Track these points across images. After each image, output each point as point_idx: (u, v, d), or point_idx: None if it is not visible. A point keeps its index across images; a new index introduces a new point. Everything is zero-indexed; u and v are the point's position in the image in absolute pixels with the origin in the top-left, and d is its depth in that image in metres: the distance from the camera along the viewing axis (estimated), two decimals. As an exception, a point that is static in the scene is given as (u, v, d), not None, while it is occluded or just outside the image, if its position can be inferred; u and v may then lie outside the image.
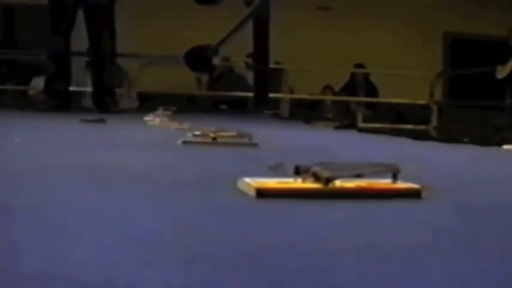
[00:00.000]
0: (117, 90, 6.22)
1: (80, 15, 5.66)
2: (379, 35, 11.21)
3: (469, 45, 11.58)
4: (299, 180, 1.26)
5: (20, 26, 10.74)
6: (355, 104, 10.08)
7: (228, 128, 2.73)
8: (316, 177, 1.24)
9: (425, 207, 1.22)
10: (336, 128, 5.51)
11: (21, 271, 0.72)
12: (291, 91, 9.45)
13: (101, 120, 3.82)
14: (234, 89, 8.67)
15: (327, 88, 10.20)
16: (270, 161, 1.36)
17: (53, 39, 5.71)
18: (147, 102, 7.64)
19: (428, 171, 1.81)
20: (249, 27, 5.54)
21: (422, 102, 9.09)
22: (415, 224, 1.07)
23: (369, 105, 10.17)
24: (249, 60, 7.78)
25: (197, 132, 2.59)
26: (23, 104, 7.94)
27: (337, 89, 10.32)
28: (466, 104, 9.30)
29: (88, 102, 6.44)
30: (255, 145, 2.44)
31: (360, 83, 10.42)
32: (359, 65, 10.33)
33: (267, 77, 6.52)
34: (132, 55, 8.50)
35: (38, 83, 7.33)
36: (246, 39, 5.57)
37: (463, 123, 7.17)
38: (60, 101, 5.63)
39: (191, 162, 1.99)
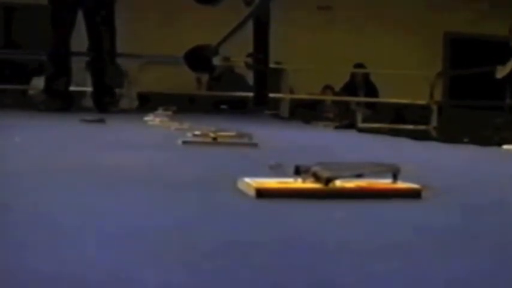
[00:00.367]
0: (117, 90, 6.21)
1: (80, 15, 5.66)
2: (379, 35, 11.21)
3: (469, 45, 11.58)
4: (299, 180, 1.26)
5: (20, 26, 10.73)
6: (355, 104, 10.08)
7: (228, 128, 2.73)
8: (316, 177, 1.24)
9: (425, 207, 1.22)
10: (336, 128, 5.51)
11: (21, 271, 0.72)
12: (291, 91, 9.45)
13: (101, 120, 3.82)
14: (234, 89, 8.67)
15: (327, 88, 10.20)
16: (270, 161, 1.36)
17: (53, 39, 5.71)
18: (147, 102, 7.64)
19: (428, 171, 1.80)
20: (249, 27, 5.54)
21: (422, 102, 9.09)
22: (415, 224, 1.07)
23: (368, 105, 10.17)
24: (249, 60, 7.78)
25: (197, 132, 2.58)
26: (23, 104, 7.94)
27: (337, 89, 10.31)
28: (466, 104, 9.29)
29: (88, 102, 6.44)
30: (255, 145, 2.43)
31: (360, 83, 10.42)
32: (359, 65, 10.33)
33: (267, 77, 6.51)
34: (132, 55, 8.50)
35: (38, 83, 7.32)
36: (246, 39, 5.57)
37: (463, 124, 7.17)
38: (60, 101, 5.63)
39: (191, 162, 1.99)
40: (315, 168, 1.25)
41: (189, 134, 2.59)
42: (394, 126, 8.31)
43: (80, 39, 5.82)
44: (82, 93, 7.47)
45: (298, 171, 1.26)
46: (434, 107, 9.03)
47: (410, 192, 1.28)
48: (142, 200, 1.22)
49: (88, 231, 0.94)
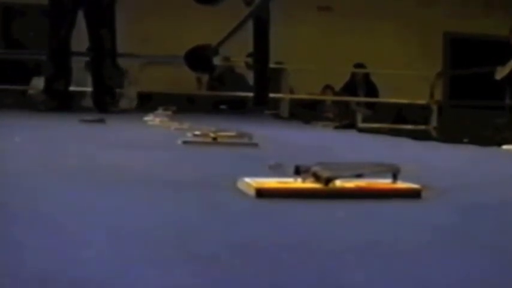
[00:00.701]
0: (117, 90, 6.21)
1: (80, 15, 5.66)
2: (379, 34, 11.21)
3: (469, 45, 11.58)
4: (299, 180, 1.26)
5: (20, 26, 10.73)
6: (355, 104, 10.08)
7: (228, 127, 2.73)
8: (316, 177, 1.24)
9: (425, 207, 1.22)
10: (336, 128, 5.51)
11: (21, 271, 0.72)
12: (291, 91, 9.45)
13: (101, 120, 3.81)
14: (234, 89, 8.67)
15: (327, 88, 10.20)
16: (270, 161, 1.36)
17: (53, 39, 5.70)
18: (147, 102, 7.64)
19: (428, 171, 1.80)
20: (249, 27, 5.53)
21: (422, 102, 9.09)
22: (415, 224, 1.07)
23: (369, 105, 10.16)
24: (249, 60, 7.77)
25: (197, 132, 2.58)
26: (23, 104, 7.93)
27: (337, 89, 10.31)
28: (466, 104, 9.29)
29: (88, 102, 6.43)
30: (255, 145, 2.43)
31: (360, 83, 10.41)
32: (359, 65, 10.32)
33: (267, 77, 6.51)
34: (132, 55, 8.49)
35: (38, 83, 7.32)
36: (246, 39, 5.57)
37: (463, 124, 7.16)
38: (60, 101, 5.62)
39: (191, 162, 1.98)
40: (315, 168, 1.25)
41: (189, 134, 2.58)
42: (394, 126, 8.31)
43: (80, 39, 5.82)
44: (82, 93, 7.47)
45: (298, 171, 1.26)
46: (435, 107, 9.03)
47: (410, 192, 1.28)
48: (142, 200, 1.22)
49: (88, 231, 0.94)
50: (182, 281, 0.71)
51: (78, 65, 7.05)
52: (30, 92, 8.40)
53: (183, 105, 7.24)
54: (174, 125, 3.56)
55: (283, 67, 9.38)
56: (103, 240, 0.88)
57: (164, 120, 4.15)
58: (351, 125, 6.51)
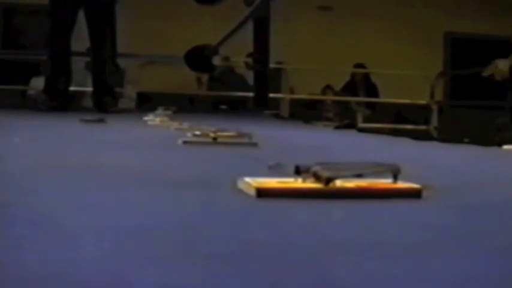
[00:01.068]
0: (117, 90, 6.20)
1: (81, 15, 5.65)
2: (380, 34, 11.20)
3: (470, 45, 11.56)
4: (299, 180, 1.26)
5: (20, 26, 10.72)
6: (355, 104, 10.07)
7: (228, 128, 2.72)
8: (317, 177, 1.24)
9: (425, 207, 1.22)
10: (336, 128, 5.51)
11: (22, 271, 0.72)
12: (292, 91, 9.44)
13: (101, 120, 3.81)
14: (234, 89, 8.66)
15: (328, 88, 10.18)
16: (270, 161, 1.36)
17: (53, 39, 5.70)
18: (147, 102, 7.62)
19: (428, 171, 1.80)
20: (249, 27, 5.54)
21: (422, 102, 9.08)
22: (415, 224, 1.07)
23: (369, 105, 10.15)
24: (249, 60, 7.77)
25: (197, 132, 2.58)
26: (23, 104, 7.92)
27: (337, 88, 10.30)
28: (466, 104, 9.28)
29: (88, 102, 6.42)
30: (255, 145, 2.43)
31: (360, 83, 10.40)
32: (359, 65, 10.31)
33: (267, 77, 6.51)
34: (132, 55, 8.48)
35: (38, 83, 7.31)
36: (246, 39, 5.57)
37: (464, 124, 7.16)
38: (59, 101, 5.62)
39: (191, 162, 1.98)
40: (315, 168, 1.25)
41: (189, 134, 2.58)
42: (395, 126, 8.31)
43: (80, 39, 5.81)
44: (82, 93, 7.46)
45: (298, 171, 1.26)
46: (435, 107, 9.02)
47: (411, 192, 1.28)
48: (143, 200, 1.22)
49: (88, 231, 0.93)
50: (182, 281, 0.71)
51: (79, 65, 7.05)
52: (30, 92, 8.40)
53: (183, 105, 7.23)
54: (174, 125, 3.56)
55: (284, 67, 9.36)
56: (103, 240, 0.88)
57: (164, 120, 4.14)
58: (351, 125, 6.51)
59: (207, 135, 2.50)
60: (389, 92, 9.78)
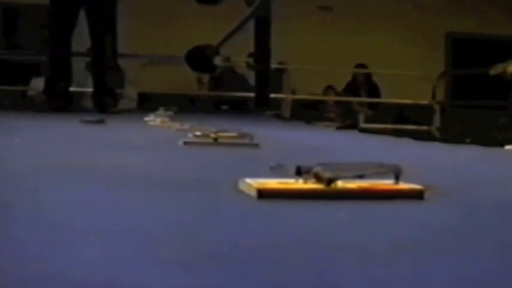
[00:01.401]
0: (117, 90, 6.20)
1: (82, 15, 5.65)
2: (381, 35, 11.20)
3: (472, 45, 11.55)
4: (300, 180, 1.26)
5: (20, 26, 10.73)
6: (357, 104, 10.07)
7: (229, 128, 2.72)
8: (318, 178, 1.24)
9: (427, 208, 1.22)
10: (338, 128, 5.51)
11: (21, 271, 0.72)
12: (293, 91, 9.43)
13: (101, 121, 3.80)
14: (235, 90, 8.66)
15: (329, 88, 10.18)
16: (271, 162, 1.35)
17: (53, 39, 5.69)
18: (148, 103, 7.62)
19: (430, 172, 1.80)
20: (250, 27, 5.53)
21: (424, 102, 9.08)
22: (417, 225, 1.07)
23: (371, 106, 10.15)
24: (251, 60, 7.77)
25: (198, 133, 2.58)
26: (23, 104, 7.93)
27: (339, 89, 10.30)
28: (468, 105, 9.27)
29: (88, 102, 6.42)
30: (256, 146, 2.43)
31: (362, 84, 10.40)
32: (361, 65, 10.31)
33: (268, 77, 6.51)
34: (132, 55, 8.48)
35: (38, 83, 7.31)
36: (247, 39, 5.57)
37: (466, 124, 7.16)
38: (60, 102, 5.61)
39: (192, 162, 1.98)
40: (317, 169, 1.24)
41: (190, 135, 2.58)
42: (397, 127, 8.31)
43: (81, 39, 5.81)
44: (82, 94, 7.45)
45: (299, 172, 1.26)
46: (437, 107, 9.02)
47: (413, 192, 1.28)
48: (143, 201, 1.22)
49: (88, 232, 0.93)
50: (183, 282, 0.71)
51: (79, 65, 7.05)
52: (30, 92, 8.40)
53: (184, 105, 7.23)
54: (175, 125, 3.56)
55: (285, 67, 9.37)
56: (103, 241, 0.88)
57: (165, 120, 4.14)
58: (353, 126, 6.51)
59: (208, 136, 2.50)
60: (391, 92, 9.78)
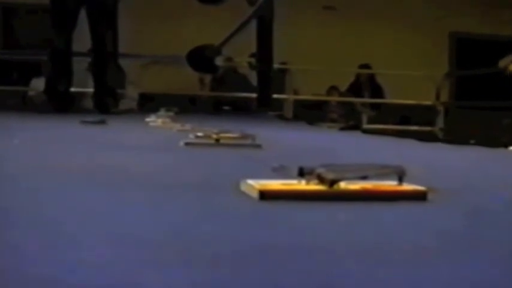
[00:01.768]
0: (118, 91, 6.20)
1: (83, 16, 5.65)
2: (385, 35, 11.20)
3: (476, 45, 11.55)
4: (303, 182, 1.25)
5: (21, 25, 10.74)
6: (360, 105, 10.07)
7: (231, 129, 2.72)
8: (321, 179, 1.23)
9: (431, 209, 1.21)
10: (341, 129, 5.50)
11: (20, 274, 0.72)
12: (296, 92, 9.44)
13: (102, 122, 3.80)
14: (237, 90, 8.66)
15: (333, 89, 10.18)
16: (274, 163, 1.35)
17: (54, 39, 5.69)
18: (149, 103, 7.63)
19: (434, 173, 1.80)
20: (253, 26, 5.53)
21: (428, 103, 9.08)
22: (421, 227, 1.06)
23: (374, 106, 10.15)
24: (253, 60, 7.78)
25: (200, 134, 2.58)
26: (23, 105, 7.95)
27: (342, 89, 10.30)
28: (472, 105, 9.27)
29: (89, 103, 6.42)
30: (259, 146, 2.42)
31: (365, 84, 10.40)
32: (365, 66, 10.31)
33: (270, 77, 6.51)
34: (134, 55, 8.48)
35: (38, 83, 7.33)
36: (249, 39, 5.56)
37: (470, 125, 7.16)
38: (60, 102, 5.61)
39: (194, 163, 1.98)
40: (319, 170, 1.24)
41: (192, 136, 2.58)
42: (400, 128, 8.32)
43: (81, 39, 5.81)
44: (83, 94, 7.46)
45: (302, 173, 1.25)
46: (441, 108, 9.02)
47: (416, 194, 1.27)
48: (144, 202, 1.22)
49: (89, 233, 0.93)
50: (184, 283, 0.71)
51: (81, 65, 7.05)
52: (31, 93, 8.41)
53: (186, 106, 7.25)
54: (176, 126, 3.56)
55: (288, 67, 9.37)
56: (104, 243, 0.88)
57: (166, 121, 4.14)
58: (356, 127, 6.51)
59: (209, 137, 2.50)
60: (394, 92, 9.78)
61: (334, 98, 10.08)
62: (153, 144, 2.75)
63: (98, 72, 5.80)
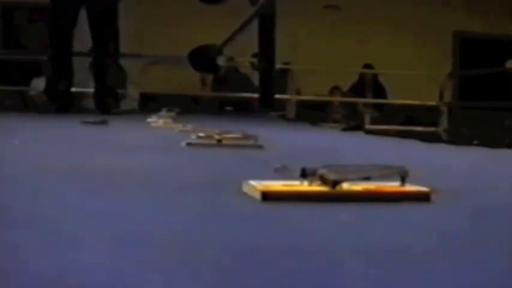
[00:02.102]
0: (119, 91, 6.20)
1: (83, 15, 5.65)
2: (388, 35, 11.20)
3: (479, 45, 11.54)
4: (305, 183, 1.25)
5: (21, 25, 10.75)
6: (362, 105, 10.07)
7: (233, 129, 2.72)
8: (323, 180, 1.23)
9: (434, 210, 1.21)
10: (343, 129, 5.50)
11: (20, 275, 0.72)
12: (298, 92, 9.44)
13: (103, 122, 3.80)
14: (239, 90, 8.67)
15: (336, 89, 10.18)
16: (276, 164, 1.34)
17: (54, 39, 5.69)
18: (150, 103, 7.63)
19: (437, 174, 1.80)
20: (255, 26, 5.53)
21: (431, 103, 9.07)
22: (424, 228, 1.06)
23: (377, 107, 10.15)
24: (255, 60, 7.78)
25: (201, 134, 2.57)
26: (24, 105, 7.96)
27: (344, 89, 10.30)
28: (476, 106, 9.26)
29: (89, 103, 6.42)
30: (261, 147, 2.42)
31: (369, 84, 10.40)
32: (367, 66, 10.31)
33: (272, 77, 6.51)
34: (135, 55, 8.49)
35: (39, 83, 7.33)
36: (251, 38, 5.56)
37: (474, 125, 7.16)
38: (60, 102, 5.61)
39: (195, 164, 1.98)
40: (322, 171, 1.24)
41: (193, 136, 2.58)
42: (403, 128, 8.32)
43: (82, 39, 5.81)
44: (83, 94, 7.46)
45: (304, 174, 1.25)
46: (444, 109, 9.01)
47: (419, 195, 1.27)
48: (146, 203, 1.21)
49: (90, 234, 0.93)
50: (186, 284, 0.71)
51: (81, 65, 7.04)
52: (31, 93, 8.41)
53: (187, 106, 7.24)
54: (178, 126, 3.56)
55: (290, 67, 9.37)
56: (104, 244, 0.87)
57: (168, 121, 4.13)
58: (359, 127, 6.51)
59: (211, 137, 2.49)
60: (397, 93, 9.78)
61: (337, 99, 10.08)
62: (154, 144, 2.74)
63: (98, 72, 5.80)
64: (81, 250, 0.83)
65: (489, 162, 2.55)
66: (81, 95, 7.38)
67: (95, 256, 0.81)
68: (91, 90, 6.15)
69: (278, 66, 7.49)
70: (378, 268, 0.80)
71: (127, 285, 0.70)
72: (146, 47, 9.06)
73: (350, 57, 10.31)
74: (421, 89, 9.39)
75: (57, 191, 1.32)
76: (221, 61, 6.13)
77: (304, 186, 1.24)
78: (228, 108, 8.75)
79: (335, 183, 1.23)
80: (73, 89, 6.02)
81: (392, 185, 1.29)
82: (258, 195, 1.21)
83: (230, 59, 7.45)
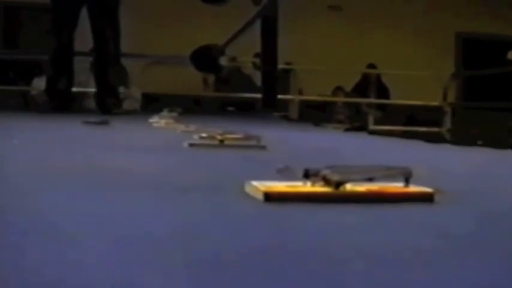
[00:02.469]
0: (121, 91, 6.20)
1: (85, 15, 5.64)
2: (391, 35, 11.21)
3: (482, 45, 11.54)
4: (308, 183, 1.24)
5: (22, 24, 10.77)
6: (366, 105, 10.07)
7: (236, 130, 2.72)
8: (326, 181, 1.23)
9: (438, 211, 1.21)
10: (346, 130, 5.50)
11: (21, 275, 0.71)
12: (301, 92, 9.44)
13: (104, 122, 3.79)
14: (241, 90, 8.67)
15: (339, 89, 10.19)
16: (279, 164, 1.34)
17: (54, 39, 5.69)
18: (152, 104, 7.63)
19: (441, 175, 1.79)
20: (257, 26, 5.52)
21: (435, 104, 9.08)
22: (428, 229, 1.06)
23: (380, 107, 10.15)
24: (257, 60, 7.78)
25: (204, 135, 2.57)
26: (24, 104, 7.97)
27: (347, 89, 10.31)
28: (480, 106, 9.26)
29: (91, 103, 6.42)
30: (263, 148, 2.42)
31: (372, 84, 10.41)
32: (370, 66, 10.31)
33: (275, 77, 6.50)
34: (137, 55, 8.49)
35: (39, 83, 7.34)
36: (254, 38, 5.55)
37: (477, 125, 7.16)
38: (61, 102, 5.61)
39: (197, 165, 1.98)
40: (325, 172, 1.23)
41: (196, 136, 2.58)
42: (406, 129, 8.32)
43: (83, 39, 5.81)
44: (84, 94, 7.46)
45: (307, 175, 1.25)
46: (448, 109, 9.02)
47: (423, 196, 1.27)
48: (147, 204, 1.21)
49: (90, 235, 0.93)
50: (187, 286, 0.71)
51: (82, 65, 7.05)
52: (32, 92, 8.43)
53: (189, 106, 7.26)
54: (180, 127, 3.55)
55: (292, 67, 9.38)
56: (105, 245, 0.87)
57: (170, 122, 4.13)
58: (362, 128, 6.51)
59: (213, 138, 2.49)
60: (400, 93, 9.78)
61: (340, 99, 10.08)
62: (156, 145, 2.74)
63: (99, 72, 5.80)
64: (81, 250, 0.83)
65: (493, 163, 2.55)
66: (83, 95, 7.39)
67: (95, 256, 0.80)
68: (92, 90, 6.15)
69: (280, 66, 7.49)
70: (382, 269, 0.79)
71: (127, 285, 0.70)
72: (148, 47, 9.07)
73: (353, 58, 10.32)
74: (424, 89, 9.39)
75: (57, 191, 1.32)
76: (223, 61, 6.12)
77: (307, 187, 1.24)
78: (230, 108, 8.76)
79: (338, 184, 1.22)
80: (74, 89, 6.02)
81: (396, 186, 1.28)
82: (260, 196, 1.21)
83: (232, 59, 7.45)
